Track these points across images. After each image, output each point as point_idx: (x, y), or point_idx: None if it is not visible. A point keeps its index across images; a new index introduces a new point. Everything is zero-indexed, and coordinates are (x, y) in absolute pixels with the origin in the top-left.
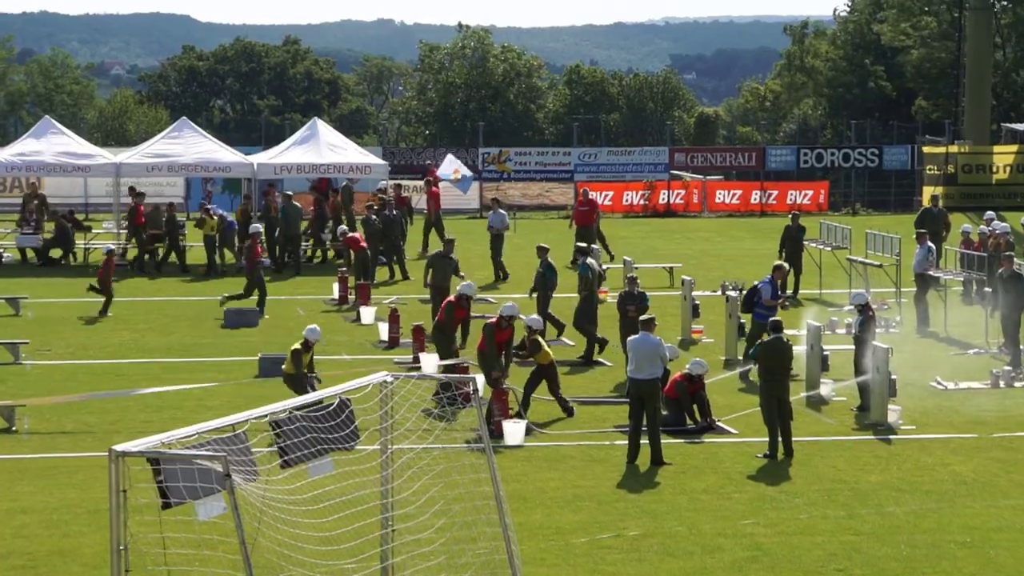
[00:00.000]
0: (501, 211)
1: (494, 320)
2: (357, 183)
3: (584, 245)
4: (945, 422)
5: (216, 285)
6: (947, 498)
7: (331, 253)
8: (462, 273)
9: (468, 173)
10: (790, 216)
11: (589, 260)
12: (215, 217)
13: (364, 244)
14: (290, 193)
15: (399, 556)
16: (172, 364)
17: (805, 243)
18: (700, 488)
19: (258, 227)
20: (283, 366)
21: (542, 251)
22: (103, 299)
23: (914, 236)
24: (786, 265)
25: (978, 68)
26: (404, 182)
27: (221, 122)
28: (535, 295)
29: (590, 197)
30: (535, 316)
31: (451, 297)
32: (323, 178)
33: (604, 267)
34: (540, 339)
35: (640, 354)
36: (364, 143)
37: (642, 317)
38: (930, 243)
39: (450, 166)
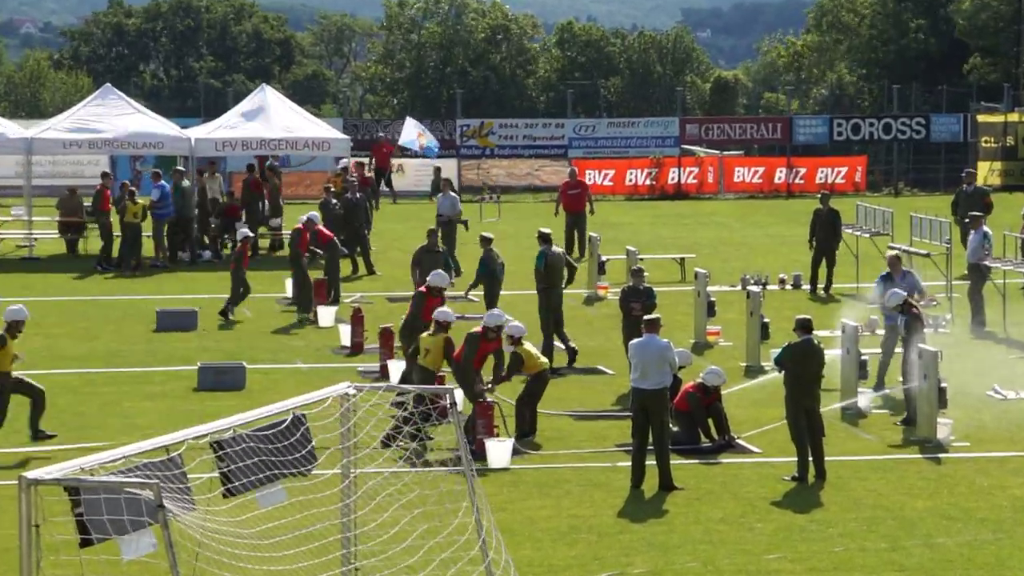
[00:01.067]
0: (452, 194)
1: (479, 330)
2: (311, 161)
3: (547, 231)
4: (1005, 438)
5: (144, 282)
6: (1007, 527)
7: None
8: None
9: (433, 140)
10: (820, 197)
11: (555, 249)
12: (139, 203)
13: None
14: (182, 169)
15: None
16: (93, 375)
17: (845, 230)
18: (717, 517)
19: (314, 215)
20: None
21: (485, 241)
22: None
23: (965, 220)
24: (898, 253)
25: None
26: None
27: (153, 89)
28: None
29: (578, 178)
30: (516, 324)
31: (422, 287)
32: (261, 156)
33: (605, 258)
34: (526, 346)
35: (645, 360)
36: (322, 114)
37: (646, 317)
38: (986, 228)
39: (412, 131)
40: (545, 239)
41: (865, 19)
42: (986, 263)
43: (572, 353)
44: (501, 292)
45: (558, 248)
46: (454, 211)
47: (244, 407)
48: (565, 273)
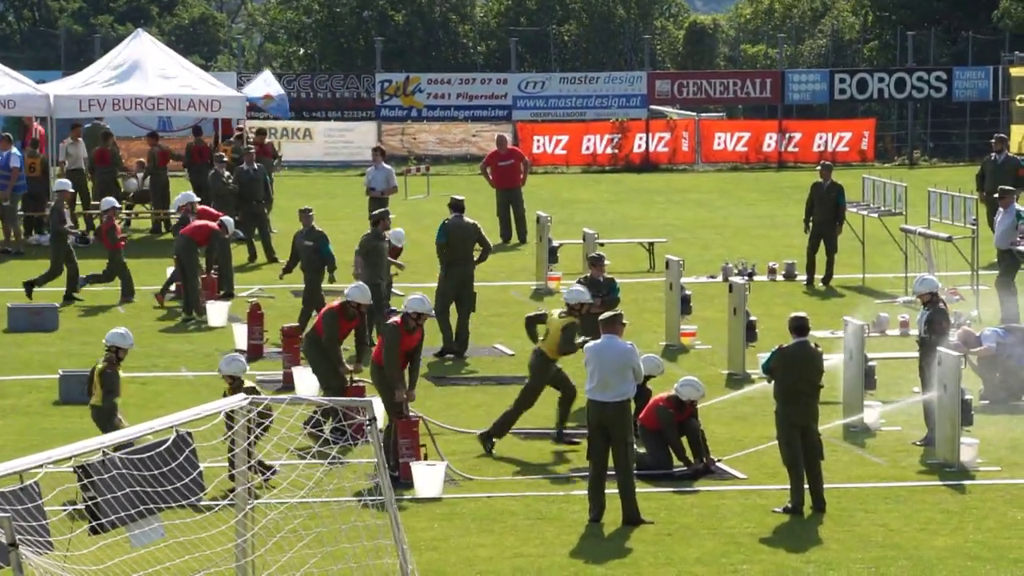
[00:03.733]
0: (385, 166)
1: (397, 320)
2: (204, 129)
3: (459, 198)
4: None
5: None
6: None
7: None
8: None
9: (280, 91)
10: (819, 169)
11: (465, 220)
12: None
13: (214, 225)
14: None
15: None
16: None
17: (849, 208)
18: (693, 557)
19: (189, 194)
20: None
21: (305, 216)
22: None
23: (995, 195)
24: None
25: None
26: (269, 123)
27: (1, 35)
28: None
29: (510, 146)
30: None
31: (334, 304)
32: (76, 124)
33: (557, 243)
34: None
35: (603, 366)
36: (212, 68)
37: (603, 315)
38: (1019, 206)
39: (264, 86)
40: (456, 206)
41: None
42: (1020, 248)
43: (451, 348)
44: (419, 284)
45: (469, 219)
46: (388, 185)
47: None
48: (477, 250)
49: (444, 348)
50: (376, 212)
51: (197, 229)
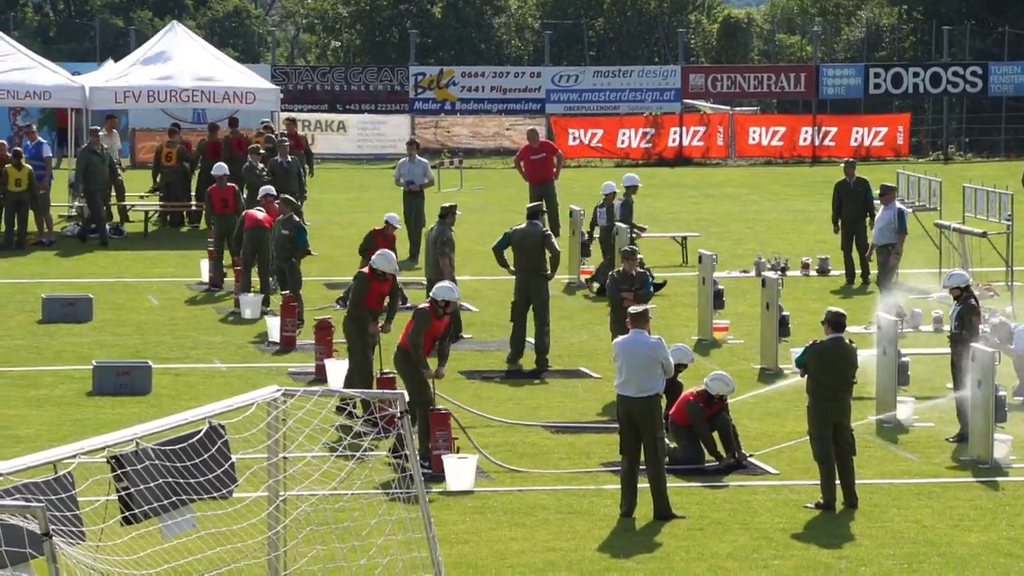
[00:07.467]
0: (421, 159)
1: (427, 305)
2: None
3: (533, 206)
4: None
5: (26, 263)
6: None
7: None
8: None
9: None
10: (843, 166)
11: (533, 224)
12: (24, 167)
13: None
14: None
15: None
16: None
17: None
18: (724, 552)
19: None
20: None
21: (287, 205)
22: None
23: None
24: None
25: None
26: (303, 115)
27: (37, 27)
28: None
29: (542, 140)
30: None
31: (364, 268)
32: (110, 115)
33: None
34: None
35: (631, 361)
36: (246, 60)
37: (632, 309)
38: (900, 205)
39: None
40: (530, 213)
41: None
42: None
43: (541, 359)
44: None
45: (538, 224)
46: (424, 178)
47: (149, 415)
48: (546, 257)
49: (539, 361)
50: (445, 206)
51: (256, 218)
